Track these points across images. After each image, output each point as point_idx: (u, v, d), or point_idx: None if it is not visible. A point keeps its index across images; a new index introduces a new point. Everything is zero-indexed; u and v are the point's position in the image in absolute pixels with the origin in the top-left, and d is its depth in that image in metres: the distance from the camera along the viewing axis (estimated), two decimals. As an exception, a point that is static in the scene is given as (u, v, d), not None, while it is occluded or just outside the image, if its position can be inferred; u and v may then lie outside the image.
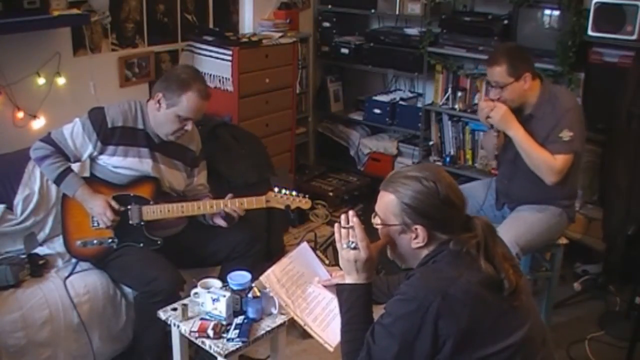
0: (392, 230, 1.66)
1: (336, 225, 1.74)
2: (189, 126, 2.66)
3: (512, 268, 1.57)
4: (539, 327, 1.63)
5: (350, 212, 1.73)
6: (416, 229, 1.61)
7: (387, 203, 1.65)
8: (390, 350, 1.52)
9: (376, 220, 1.70)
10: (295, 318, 1.97)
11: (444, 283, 1.50)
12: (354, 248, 1.68)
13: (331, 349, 1.90)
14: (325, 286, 2.04)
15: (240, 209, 2.70)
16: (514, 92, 2.75)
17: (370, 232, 1.73)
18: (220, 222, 2.76)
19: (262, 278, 2.05)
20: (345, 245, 1.70)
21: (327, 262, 2.16)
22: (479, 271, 1.53)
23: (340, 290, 1.76)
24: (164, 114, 2.64)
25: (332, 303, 1.99)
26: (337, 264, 2.59)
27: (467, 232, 1.60)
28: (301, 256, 2.09)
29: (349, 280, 1.72)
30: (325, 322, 1.95)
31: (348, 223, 1.71)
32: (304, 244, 2.14)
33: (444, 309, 1.47)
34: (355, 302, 1.70)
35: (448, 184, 1.63)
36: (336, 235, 1.73)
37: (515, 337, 1.52)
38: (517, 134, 2.72)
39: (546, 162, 2.71)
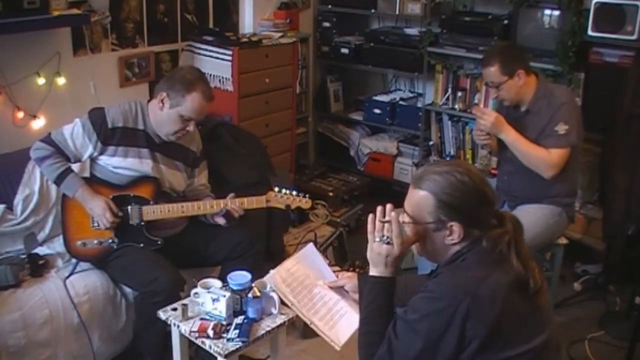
0: (425, 228, 1.62)
1: (370, 216, 1.69)
2: (191, 127, 2.66)
3: (537, 267, 1.57)
4: (555, 334, 1.63)
5: (388, 206, 1.68)
6: (451, 226, 1.58)
7: (420, 200, 1.62)
8: (414, 347, 1.51)
9: (405, 218, 1.66)
10: (302, 317, 1.97)
11: (473, 283, 1.49)
12: (388, 243, 1.65)
13: (338, 348, 1.90)
14: (331, 287, 2.03)
15: (240, 208, 2.70)
16: (510, 90, 2.79)
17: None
18: (221, 220, 2.76)
19: (266, 278, 2.05)
20: (378, 239, 1.67)
21: (327, 262, 2.16)
22: (507, 271, 1.52)
23: (363, 281, 1.73)
24: (167, 114, 2.64)
25: (338, 304, 1.99)
26: (337, 264, 2.59)
27: (498, 228, 1.58)
28: (307, 257, 2.10)
29: (374, 272, 1.68)
30: (332, 322, 1.95)
31: (384, 217, 1.68)
32: (310, 245, 2.15)
33: (473, 309, 1.45)
34: (378, 295, 1.67)
35: (481, 178, 1.61)
36: (369, 227, 1.69)
37: (536, 342, 1.52)
38: (508, 136, 2.75)
39: (541, 158, 2.73)
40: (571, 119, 2.73)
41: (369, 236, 1.70)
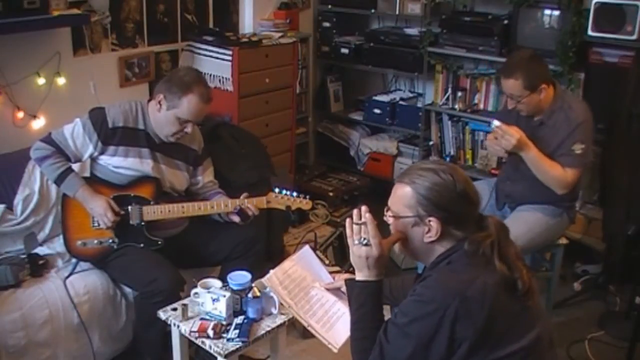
0: (405, 222, 1.63)
1: (347, 220, 1.71)
2: (189, 129, 2.66)
3: (524, 268, 1.57)
4: (548, 328, 1.63)
5: (363, 208, 1.69)
6: (430, 221, 1.59)
7: (402, 195, 1.63)
8: (405, 351, 1.51)
9: (389, 214, 1.68)
10: (299, 319, 1.96)
11: (462, 285, 1.49)
12: (366, 244, 1.65)
13: (335, 350, 1.90)
14: (327, 289, 2.03)
15: (255, 208, 2.70)
16: (530, 104, 2.72)
17: (380, 229, 1.71)
18: (235, 218, 2.76)
19: (264, 280, 2.05)
20: (357, 242, 1.67)
21: (327, 262, 2.16)
22: (494, 272, 1.52)
23: (350, 287, 1.73)
24: (164, 115, 2.64)
25: (335, 306, 1.99)
26: (337, 264, 2.59)
27: (481, 231, 1.58)
28: (304, 259, 2.09)
29: (359, 277, 1.69)
30: (329, 324, 1.94)
31: (360, 219, 1.68)
32: (307, 247, 2.14)
33: (461, 311, 1.46)
34: (366, 300, 1.67)
35: (464, 179, 1.62)
36: (347, 231, 1.70)
37: (527, 339, 1.52)
38: (529, 154, 2.69)
39: (558, 178, 2.70)
40: (588, 138, 2.70)
41: (349, 241, 1.70)
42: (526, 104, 2.72)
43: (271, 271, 2.04)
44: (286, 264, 2.07)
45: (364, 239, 1.66)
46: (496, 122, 2.72)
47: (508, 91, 2.74)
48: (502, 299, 1.51)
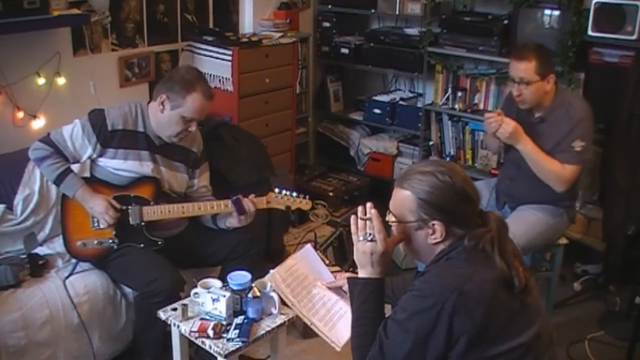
0: (408, 227, 1.64)
1: (352, 217, 1.70)
2: (193, 127, 2.66)
3: (521, 265, 1.58)
4: (547, 326, 1.63)
5: (368, 204, 1.69)
6: (433, 224, 1.60)
7: (403, 200, 1.64)
8: (404, 346, 1.52)
9: (390, 218, 1.68)
10: (302, 317, 1.97)
11: (459, 280, 1.50)
12: (371, 240, 1.65)
13: (338, 349, 1.90)
14: (329, 288, 2.04)
15: (252, 205, 2.68)
16: (536, 92, 2.72)
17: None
18: (233, 221, 2.73)
19: (266, 278, 2.05)
20: (361, 238, 1.67)
21: (327, 262, 2.17)
22: (493, 268, 1.53)
23: (353, 284, 1.73)
24: (168, 116, 2.63)
25: (336, 305, 1.99)
26: (337, 264, 2.59)
27: (481, 227, 1.59)
28: (305, 258, 2.10)
29: (362, 274, 1.69)
30: (332, 323, 1.95)
31: (365, 214, 1.68)
32: (308, 246, 2.15)
33: (459, 305, 1.46)
34: (368, 297, 1.67)
35: (463, 177, 1.62)
36: (352, 227, 1.70)
37: (526, 336, 1.52)
38: (526, 147, 2.71)
39: (556, 173, 2.70)
40: (587, 135, 2.71)
41: (353, 237, 1.70)
42: (531, 92, 2.71)
43: (273, 269, 2.04)
44: (288, 262, 2.07)
45: (369, 234, 1.66)
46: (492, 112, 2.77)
47: (519, 74, 2.71)
48: (501, 295, 1.51)
